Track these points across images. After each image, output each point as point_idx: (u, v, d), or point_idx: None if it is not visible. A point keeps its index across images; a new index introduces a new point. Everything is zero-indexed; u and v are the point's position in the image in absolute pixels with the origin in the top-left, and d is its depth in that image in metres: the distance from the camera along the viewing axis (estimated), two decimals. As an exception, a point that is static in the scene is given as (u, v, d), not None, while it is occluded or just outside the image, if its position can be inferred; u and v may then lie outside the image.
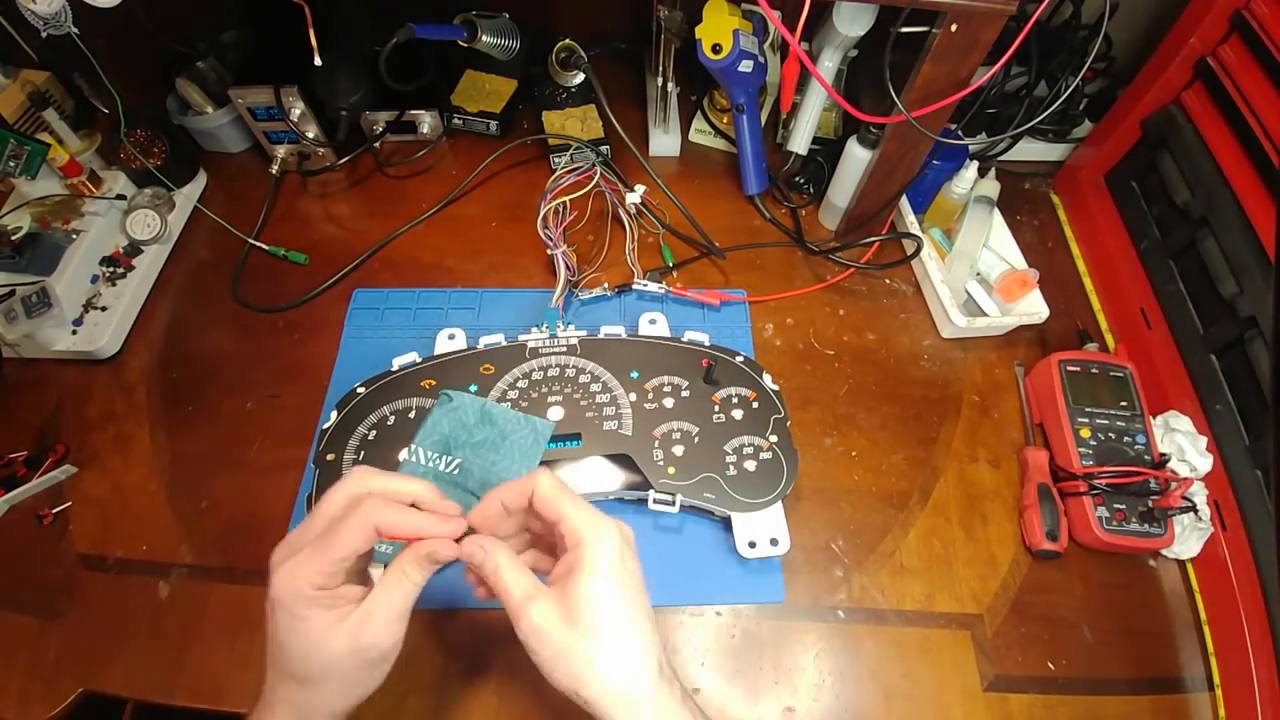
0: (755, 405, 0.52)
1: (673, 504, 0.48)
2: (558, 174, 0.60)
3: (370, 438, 0.50)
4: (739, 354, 0.54)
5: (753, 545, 0.48)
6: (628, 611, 0.32)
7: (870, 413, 0.57)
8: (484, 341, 0.55)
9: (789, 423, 0.52)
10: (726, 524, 0.50)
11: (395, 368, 0.54)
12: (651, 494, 0.48)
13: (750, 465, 0.50)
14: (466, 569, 0.36)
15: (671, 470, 0.49)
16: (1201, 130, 0.54)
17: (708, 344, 0.55)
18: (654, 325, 0.58)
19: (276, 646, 0.32)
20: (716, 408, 0.52)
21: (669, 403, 0.52)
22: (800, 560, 0.50)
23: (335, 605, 0.31)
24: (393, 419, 0.51)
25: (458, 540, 0.34)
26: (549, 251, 0.59)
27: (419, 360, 0.54)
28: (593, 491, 0.49)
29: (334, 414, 0.51)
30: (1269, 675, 0.44)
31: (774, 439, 0.51)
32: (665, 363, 0.54)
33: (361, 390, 0.52)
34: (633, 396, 0.52)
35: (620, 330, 0.56)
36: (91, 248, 0.61)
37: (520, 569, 0.33)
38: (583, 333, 0.55)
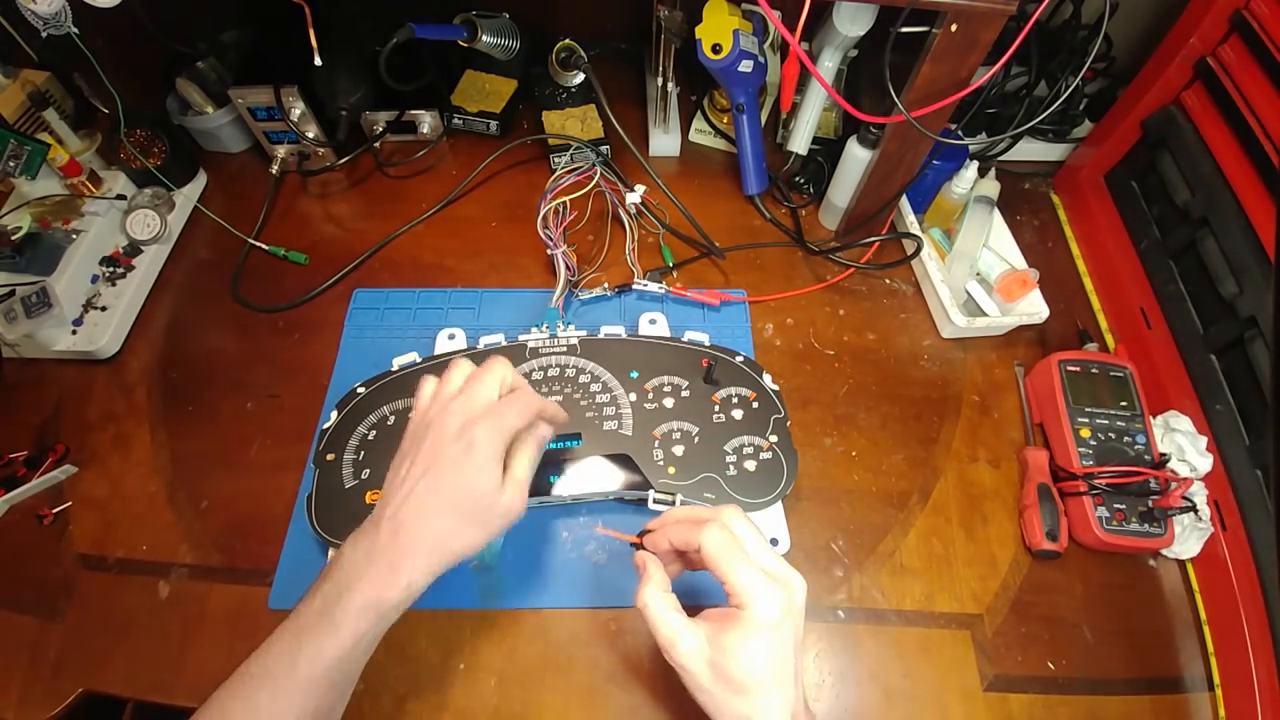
0: (755, 405, 0.52)
1: (673, 504, 0.48)
2: (558, 174, 0.60)
3: (370, 438, 0.50)
4: (739, 354, 0.54)
5: (753, 545, 0.48)
6: (771, 675, 0.33)
7: (870, 413, 0.57)
8: (484, 341, 0.55)
9: (789, 423, 0.52)
10: (726, 524, 0.50)
11: (395, 368, 0.54)
12: (651, 494, 0.48)
13: (750, 465, 0.50)
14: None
15: (671, 470, 0.49)
16: (1201, 130, 0.54)
17: (708, 344, 0.55)
18: (654, 325, 0.58)
19: (454, 482, 0.36)
20: (716, 408, 0.52)
21: (669, 403, 0.52)
22: (800, 560, 0.50)
23: (501, 466, 0.37)
24: (393, 419, 0.51)
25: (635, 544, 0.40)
26: (549, 251, 0.59)
27: (419, 360, 0.54)
28: (593, 491, 0.49)
29: (334, 414, 0.51)
30: (1269, 675, 0.44)
31: (774, 439, 0.51)
32: (665, 363, 0.54)
33: (362, 390, 0.52)
34: (633, 396, 0.52)
35: (620, 330, 0.56)
36: (91, 248, 0.61)
37: (665, 602, 0.36)
38: (583, 333, 0.55)
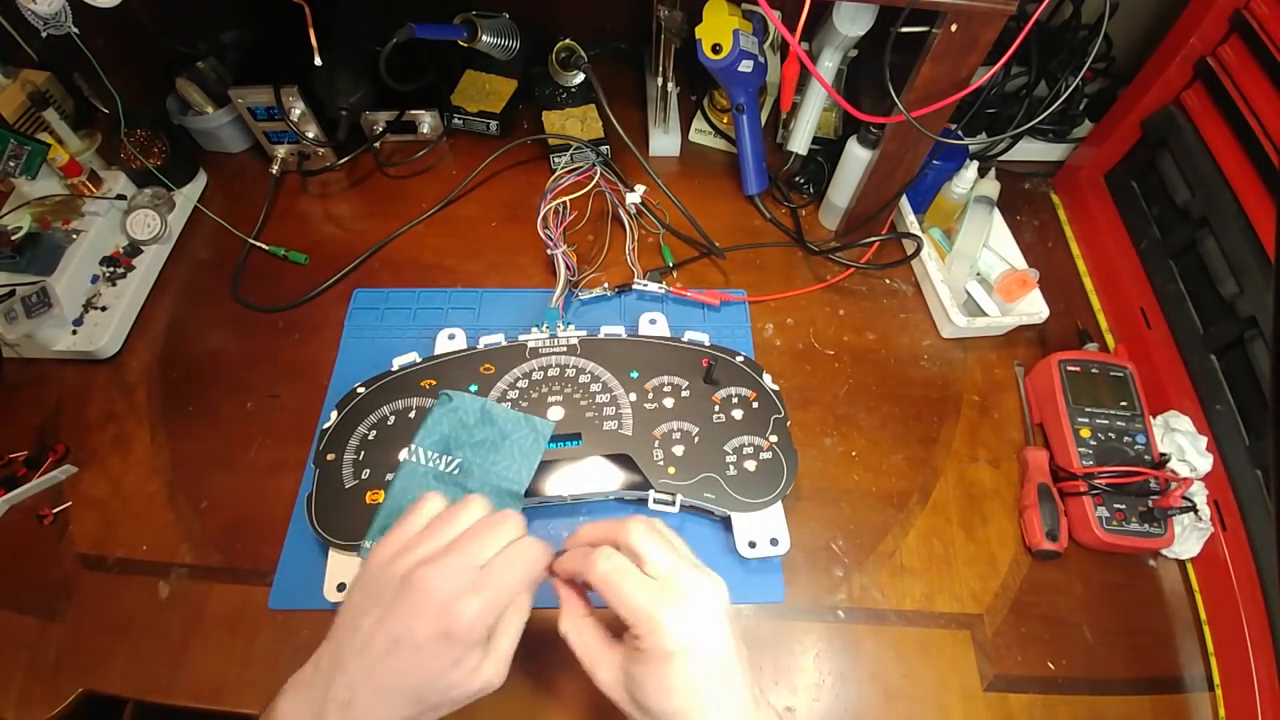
0: (755, 405, 0.52)
1: (673, 504, 0.48)
2: (558, 174, 0.60)
3: (370, 438, 0.50)
4: (739, 354, 0.54)
5: (753, 545, 0.48)
6: (696, 703, 0.30)
7: (870, 413, 0.57)
8: (484, 341, 0.55)
9: (789, 423, 0.52)
10: (726, 524, 0.50)
11: (395, 368, 0.54)
12: (651, 494, 0.48)
13: (750, 465, 0.50)
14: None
15: (671, 470, 0.49)
16: (1201, 130, 0.54)
17: (708, 344, 0.55)
18: (654, 325, 0.58)
19: (423, 671, 0.30)
20: (716, 408, 0.52)
21: (669, 403, 0.52)
22: (800, 560, 0.50)
23: (484, 645, 0.32)
24: (393, 419, 0.51)
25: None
26: (549, 251, 0.59)
27: (419, 360, 0.54)
28: (592, 491, 0.49)
29: (334, 414, 0.51)
30: (1269, 675, 0.44)
31: (774, 439, 0.51)
32: (665, 363, 0.54)
33: (361, 390, 0.52)
34: (633, 396, 0.52)
35: (620, 330, 0.56)
36: (91, 248, 0.61)
37: (581, 627, 0.34)
38: (583, 333, 0.55)
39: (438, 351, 0.56)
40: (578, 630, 0.34)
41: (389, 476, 0.48)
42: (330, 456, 0.49)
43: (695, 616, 0.31)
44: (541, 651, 0.46)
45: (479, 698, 0.32)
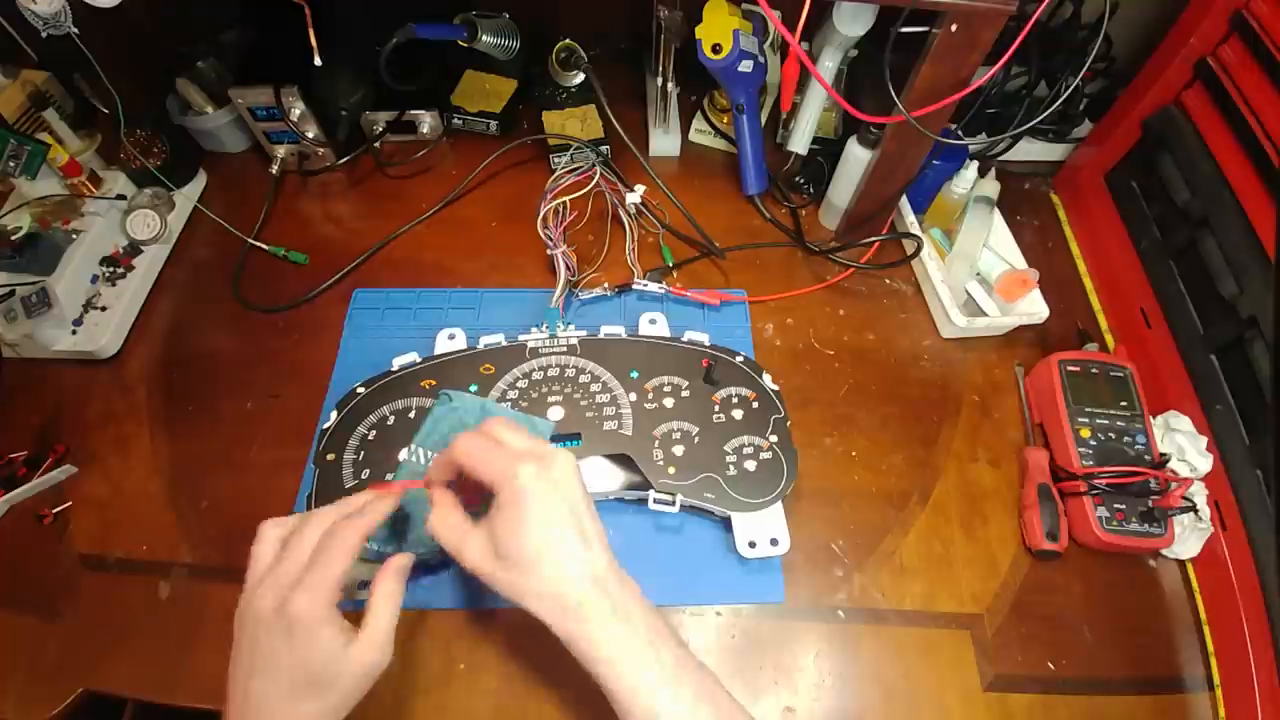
0: (755, 405, 0.52)
1: (673, 504, 0.48)
2: (558, 174, 0.60)
3: (370, 438, 0.50)
4: (739, 354, 0.54)
5: (753, 545, 0.48)
6: (548, 544, 0.34)
7: (870, 413, 0.57)
8: (484, 341, 0.55)
9: (789, 423, 0.52)
10: (726, 524, 0.50)
11: (395, 368, 0.54)
12: (651, 494, 0.48)
13: (750, 465, 0.50)
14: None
15: (671, 470, 0.49)
16: (1201, 130, 0.54)
17: (708, 344, 0.55)
18: (654, 325, 0.58)
19: (289, 665, 0.33)
20: (716, 408, 0.52)
21: (669, 403, 0.52)
22: (800, 560, 0.50)
23: (340, 623, 0.34)
24: (393, 419, 0.51)
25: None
26: (549, 251, 0.59)
27: (419, 360, 0.54)
28: (592, 491, 0.49)
29: (334, 414, 0.51)
30: (1269, 675, 0.44)
31: (774, 439, 0.51)
32: (665, 363, 0.54)
33: (361, 390, 0.52)
34: (633, 396, 0.52)
35: (620, 330, 0.56)
36: (91, 248, 0.61)
37: (446, 514, 0.37)
38: (583, 333, 0.55)
39: (438, 351, 0.56)
40: (444, 520, 0.37)
41: (389, 477, 0.48)
42: (330, 456, 0.49)
43: (547, 470, 0.36)
44: (541, 650, 0.46)
45: (371, 675, 0.35)
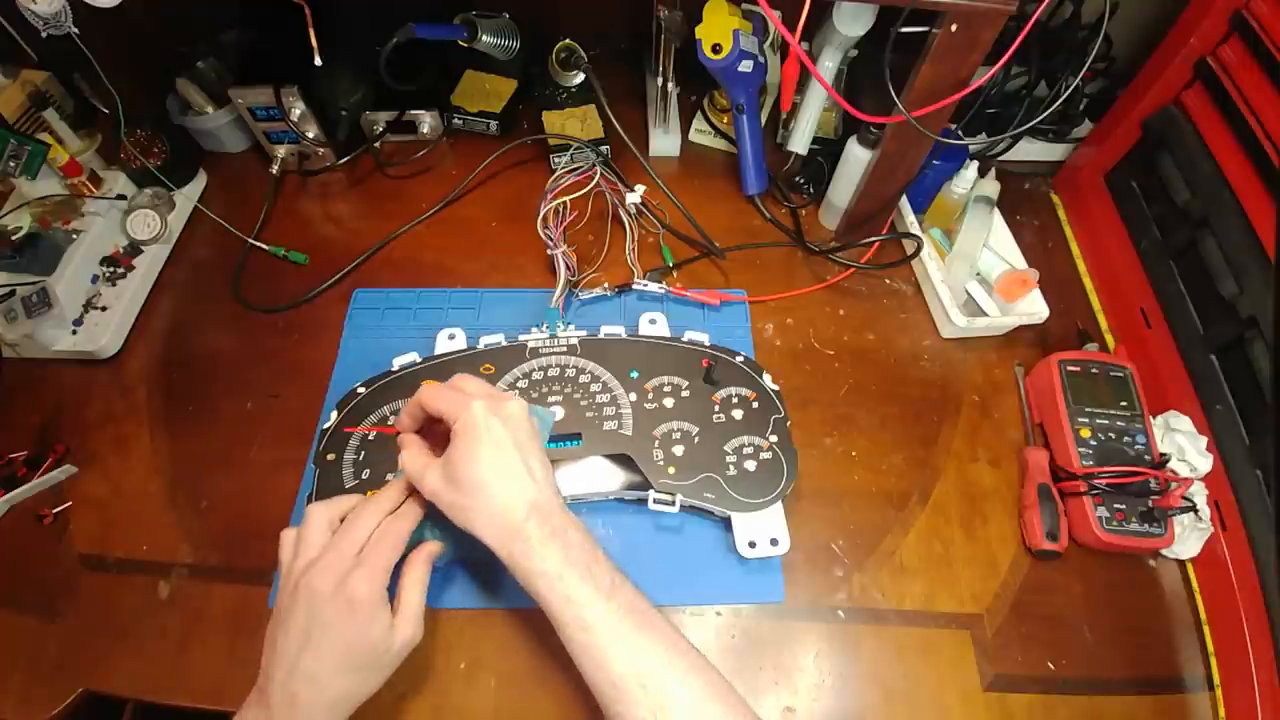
0: (755, 405, 0.52)
1: (673, 504, 0.48)
2: (558, 174, 0.60)
3: (370, 438, 0.50)
4: (739, 354, 0.54)
5: (753, 545, 0.48)
6: (494, 471, 0.37)
7: (870, 413, 0.57)
8: (484, 341, 0.55)
9: (789, 422, 0.52)
10: (726, 524, 0.50)
11: (395, 368, 0.54)
12: (651, 494, 0.48)
13: (750, 465, 0.50)
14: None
15: (671, 470, 0.49)
16: (1201, 130, 0.54)
17: (708, 344, 0.55)
18: (654, 325, 0.58)
19: (346, 641, 0.36)
20: (716, 408, 0.52)
21: (669, 403, 0.52)
22: (800, 560, 0.50)
23: (389, 606, 0.38)
24: (393, 419, 0.51)
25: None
26: (549, 251, 0.59)
27: (419, 360, 0.54)
28: (592, 491, 0.49)
29: (334, 414, 0.51)
30: (1269, 675, 0.44)
31: (774, 439, 0.51)
32: (665, 363, 0.54)
33: (362, 390, 0.52)
34: (633, 396, 0.52)
35: (620, 330, 0.56)
36: (91, 248, 0.61)
37: (413, 451, 0.41)
38: (583, 333, 0.55)
39: (438, 351, 0.56)
40: (410, 452, 0.41)
41: (389, 477, 0.48)
42: (330, 456, 0.49)
43: (499, 407, 0.39)
44: (541, 650, 0.46)
45: (406, 653, 0.39)
